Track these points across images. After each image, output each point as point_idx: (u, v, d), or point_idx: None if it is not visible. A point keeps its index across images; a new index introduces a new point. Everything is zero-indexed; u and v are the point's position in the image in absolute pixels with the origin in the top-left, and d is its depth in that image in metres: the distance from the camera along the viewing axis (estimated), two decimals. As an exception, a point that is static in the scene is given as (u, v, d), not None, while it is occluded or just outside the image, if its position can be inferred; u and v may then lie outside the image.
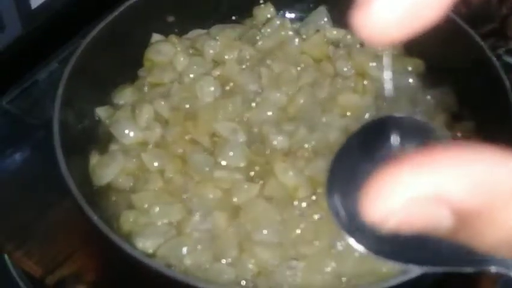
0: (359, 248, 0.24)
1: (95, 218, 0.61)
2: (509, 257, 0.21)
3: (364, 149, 0.23)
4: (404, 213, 0.20)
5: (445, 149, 0.20)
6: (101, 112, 0.75)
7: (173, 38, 0.82)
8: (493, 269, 0.22)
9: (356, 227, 0.23)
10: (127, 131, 0.73)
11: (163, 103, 0.75)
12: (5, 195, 0.76)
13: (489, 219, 0.20)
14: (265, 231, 0.66)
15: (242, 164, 0.71)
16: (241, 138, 0.73)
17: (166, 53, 0.80)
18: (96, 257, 0.70)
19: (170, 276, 0.58)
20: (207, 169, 0.70)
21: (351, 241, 0.24)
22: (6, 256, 0.72)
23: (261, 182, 0.70)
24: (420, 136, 0.25)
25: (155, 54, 0.80)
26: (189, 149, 0.72)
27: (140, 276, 0.62)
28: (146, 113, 0.74)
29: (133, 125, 0.74)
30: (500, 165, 0.20)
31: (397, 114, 0.25)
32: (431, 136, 0.25)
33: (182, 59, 0.79)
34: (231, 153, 0.71)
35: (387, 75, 0.27)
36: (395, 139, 0.25)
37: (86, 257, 0.70)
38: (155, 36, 0.82)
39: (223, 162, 0.71)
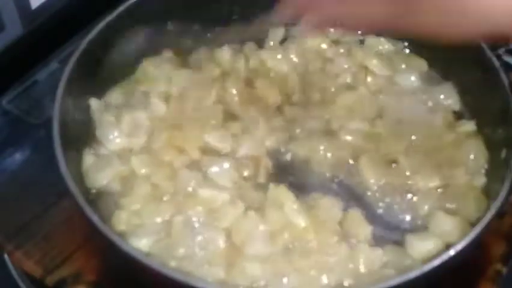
0: None
1: (94, 217, 0.61)
2: None
3: None
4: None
5: None
6: (94, 104, 0.74)
7: (167, 50, 0.81)
8: None
9: None
10: (111, 137, 0.72)
11: (152, 111, 0.74)
12: (5, 195, 0.76)
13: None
14: (255, 246, 0.64)
15: (230, 178, 0.69)
16: (231, 148, 0.72)
17: (159, 65, 0.79)
18: (96, 257, 0.70)
19: (168, 275, 0.58)
20: (192, 188, 0.68)
21: None
22: (6, 256, 0.72)
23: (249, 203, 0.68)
24: None
25: (149, 66, 0.79)
26: (177, 158, 0.71)
27: (139, 276, 0.62)
28: (132, 119, 0.73)
29: (118, 130, 0.72)
30: None
31: None
32: None
33: (175, 70, 0.78)
34: (220, 166, 0.70)
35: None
36: None
37: (86, 257, 0.70)
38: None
39: (211, 176, 0.69)
